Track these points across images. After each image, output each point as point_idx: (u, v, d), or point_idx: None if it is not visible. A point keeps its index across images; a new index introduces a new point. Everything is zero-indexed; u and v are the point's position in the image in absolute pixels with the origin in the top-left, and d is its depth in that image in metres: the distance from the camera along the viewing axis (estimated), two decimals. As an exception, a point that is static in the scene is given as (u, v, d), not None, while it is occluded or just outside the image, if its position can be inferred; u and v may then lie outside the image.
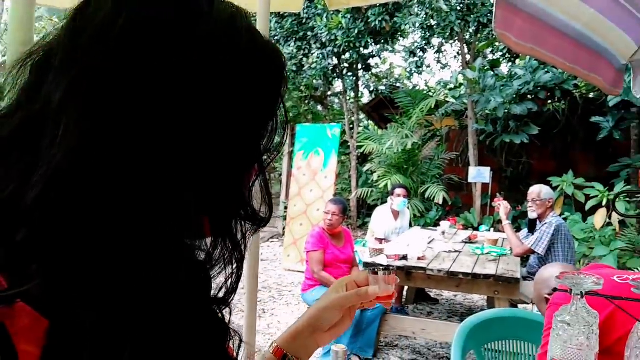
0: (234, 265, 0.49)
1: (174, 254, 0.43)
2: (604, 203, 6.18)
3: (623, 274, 1.24)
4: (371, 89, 12.10)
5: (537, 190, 4.23)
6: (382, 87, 11.93)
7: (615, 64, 2.19)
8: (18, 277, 0.37)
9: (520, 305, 4.48)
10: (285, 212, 8.29)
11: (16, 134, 0.41)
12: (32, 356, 0.36)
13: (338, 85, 12.08)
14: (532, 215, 4.22)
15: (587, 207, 6.40)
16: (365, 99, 12.14)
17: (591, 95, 7.81)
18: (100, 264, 0.39)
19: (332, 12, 8.49)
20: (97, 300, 0.39)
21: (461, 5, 7.59)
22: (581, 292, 0.88)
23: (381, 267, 0.71)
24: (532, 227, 4.31)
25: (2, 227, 0.38)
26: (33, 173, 0.38)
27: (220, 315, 0.51)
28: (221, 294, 0.50)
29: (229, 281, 0.49)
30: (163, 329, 0.42)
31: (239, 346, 0.54)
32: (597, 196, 6.35)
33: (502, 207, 4.59)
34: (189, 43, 0.41)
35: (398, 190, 5.21)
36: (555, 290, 0.98)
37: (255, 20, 1.62)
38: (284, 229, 8.35)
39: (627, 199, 6.00)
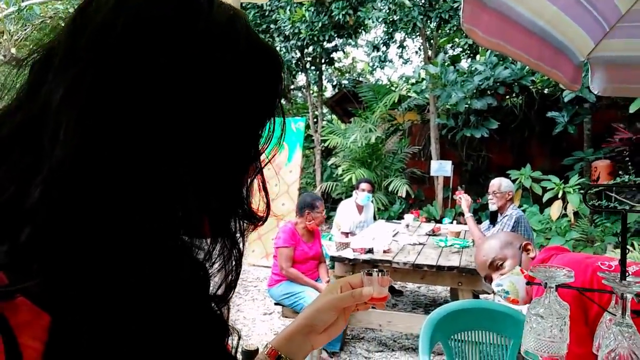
0: (233, 263, 0.49)
1: (175, 253, 0.44)
2: (559, 195, 6.41)
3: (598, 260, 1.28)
4: (334, 82, 12.12)
5: (497, 183, 4.34)
6: (345, 81, 11.98)
7: (574, 61, 2.25)
8: (20, 274, 0.37)
9: (482, 296, 4.60)
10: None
11: (17, 133, 0.41)
12: (34, 351, 0.36)
13: (301, 79, 12.04)
14: (492, 207, 4.33)
15: (544, 199, 6.62)
16: (328, 92, 12.16)
17: (546, 90, 8.07)
18: (102, 262, 0.40)
19: (295, 5, 8.43)
20: (98, 298, 0.39)
21: (423, 1, 7.68)
22: (555, 286, 0.89)
23: (375, 270, 0.71)
24: (493, 218, 4.41)
25: (5, 227, 0.38)
26: (35, 173, 0.39)
27: (219, 312, 0.52)
28: (220, 292, 0.50)
29: (229, 278, 0.50)
30: (163, 326, 0.43)
31: (238, 343, 0.55)
32: (553, 188, 6.57)
33: (464, 200, 4.69)
34: (189, 42, 0.42)
35: (363, 185, 5.24)
36: (529, 283, 1.00)
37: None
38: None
39: (582, 191, 6.25)
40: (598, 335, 0.93)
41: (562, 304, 0.92)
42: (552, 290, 0.90)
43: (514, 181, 7.03)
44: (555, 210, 6.19)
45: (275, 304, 4.13)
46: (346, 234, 4.86)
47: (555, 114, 7.38)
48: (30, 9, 5.16)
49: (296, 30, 8.64)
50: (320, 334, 0.69)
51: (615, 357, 0.81)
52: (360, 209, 5.33)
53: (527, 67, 6.57)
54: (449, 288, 5.37)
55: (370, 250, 4.06)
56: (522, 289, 1.45)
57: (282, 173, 7.24)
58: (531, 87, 7.84)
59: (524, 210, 6.25)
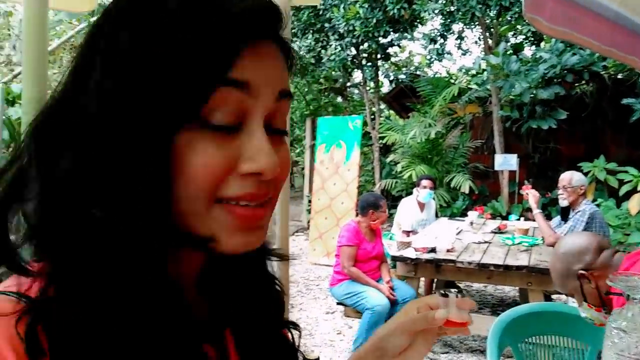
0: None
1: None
2: (639, 188, 5.97)
3: None
4: (391, 78, 11.96)
5: (568, 177, 4.09)
6: (402, 76, 11.79)
7: (653, 44, 2.08)
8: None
9: (554, 296, 4.37)
10: (309, 205, 8.28)
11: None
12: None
13: (357, 76, 11.99)
14: (563, 203, 4.09)
15: (621, 192, 6.20)
16: (385, 88, 12.01)
17: (620, 76, 7.54)
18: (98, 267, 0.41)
19: (349, 2, 8.39)
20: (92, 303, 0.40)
21: (482, -11, 7.40)
22: (637, 297, 0.81)
23: (453, 290, 0.64)
24: (564, 215, 4.17)
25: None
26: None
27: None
28: None
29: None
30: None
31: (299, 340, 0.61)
32: (630, 181, 6.14)
33: (531, 195, 4.46)
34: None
35: (424, 182, 5.13)
36: (608, 293, 0.92)
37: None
38: (308, 222, 8.34)
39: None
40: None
41: (648, 317, 0.84)
42: (636, 302, 0.82)
43: (586, 174, 6.63)
44: (634, 203, 5.77)
45: (338, 303, 4.13)
46: (407, 233, 4.78)
47: (631, 100, 6.88)
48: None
49: (350, 28, 8.60)
50: (396, 359, 0.62)
51: None
52: (421, 206, 5.22)
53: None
54: (517, 288, 5.15)
55: (433, 250, 3.96)
56: (600, 318, 1.34)
57: (340, 172, 7.24)
58: (603, 72, 7.35)
59: (598, 205, 5.87)
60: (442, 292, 0.64)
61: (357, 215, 4.25)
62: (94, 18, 0.42)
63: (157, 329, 0.42)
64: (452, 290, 0.64)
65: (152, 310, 0.42)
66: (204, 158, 0.41)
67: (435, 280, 5.08)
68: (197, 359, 0.48)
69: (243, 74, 0.42)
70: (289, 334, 0.61)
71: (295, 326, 0.63)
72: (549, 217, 4.76)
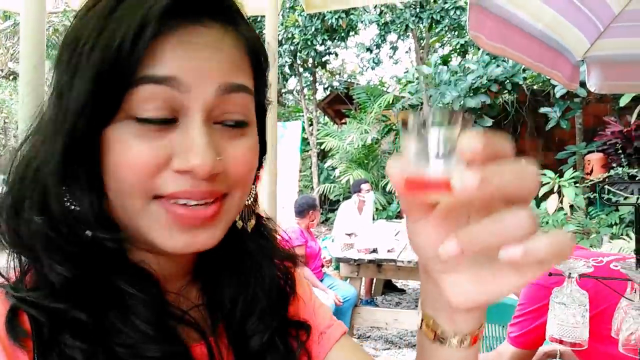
0: None
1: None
2: (555, 189, 6.52)
3: (597, 256, 1.36)
4: (325, 85, 12.20)
5: None
6: (336, 83, 12.05)
7: (572, 60, 2.34)
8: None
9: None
10: (248, 211, 8.26)
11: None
12: None
13: (291, 82, 12.10)
14: None
15: (540, 193, 6.73)
16: (319, 94, 12.23)
17: (536, 87, 8.20)
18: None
19: (288, 10, 8.51)
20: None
21: (414, 3, 7.79)
22: (577, 275, 0.97)
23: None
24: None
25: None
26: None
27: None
28: None
29: None
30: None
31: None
32: (548, 183, 6.69)
33: None
34: None
35: (366, 185, 5.32)
36: (550, 274, 1.08)
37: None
38: (247, 228, 8.30)
39: (576, 184, 6.37)
40: (616, 320, 1.01)
41: (583, 293, 1.00)
42: (573, 280, 0.99)
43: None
44: (551, 204, 6.30)
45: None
46: (349, 235, 4.93)
47: (547, 109, 7.51)
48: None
49: (289, 35, 8.72)
50: (450, 276, 0.38)
51: (636, 338, 0.89)
52: (360, 209, 5.40)
53: (519, 64, 6.69)
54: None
55: (375, 250, 4.14)
56: None
57: (280, 177, 7.29)
58: (522, 83, 7.96)
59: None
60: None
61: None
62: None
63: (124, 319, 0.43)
64: None
65: (115, 299, 0.43)
66: (133, 152, 0.41)
67: (375, 280, 5.28)
68: (181, 358, 0.46)
69: (164, 69, 0.40)
70: (294, 333, 0.57)
71: (302, 326, 0.58)
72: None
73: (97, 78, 0.40)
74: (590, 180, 6.33)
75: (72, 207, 0.43)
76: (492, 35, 1.76)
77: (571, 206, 6.54)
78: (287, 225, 4.31)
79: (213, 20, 0.43)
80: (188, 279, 0.53)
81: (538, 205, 6.86)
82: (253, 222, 0.56)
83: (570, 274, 0.97)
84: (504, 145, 0.33)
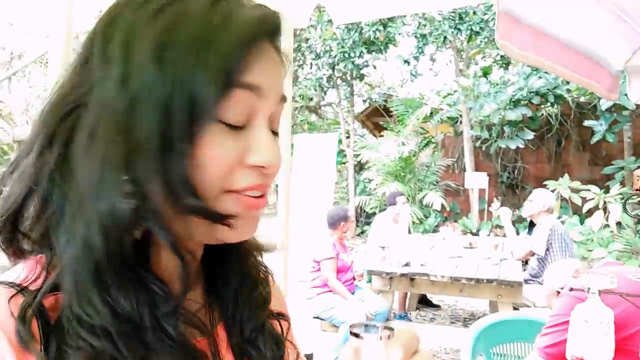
0: None
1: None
2: (600, 205, 6.26)
3: (639, 271, 1.29)
4: (364, 97, 12.20)
5: (539, 192, 4.32)
6: (375, 96, 12.04)
7: (611, 70, 2.25)
8: None
9: (521, 309, 4.52)
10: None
11: None
12: None
13: (330, 94, 12.18)
14: (525, 212, 4.31)
15: (584, 209, 6.48)
16: (358, 107, 12.25)
17: (582, 99, 7.94)
18: None
19: (326, 23, 8.60)
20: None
21: (453, 15, 7.72)
22: (598, 291, 0.93)
23: (374, 324, 0.43)
24: (531, 228, 4.38)
25: None
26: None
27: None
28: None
29: None
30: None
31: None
32: (593, 198, 6.43)
33: (504, 214, 4.67)
34: None
35: (402, 198, 5.26)
36: (571, 289, 1.03)
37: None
38: (283, 239, 8.36)
39: (624, 201, 6.09)
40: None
41: (606, 309, 0.95)
42: (596, 295, 0.94)
43: (552, 192, 6.91)
44: (596, 220, 6.05)
45: (314, 317, 4.17)
46: (382, 248, 4.88)
47: (593, 122, 7.24)
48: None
49: (327, 48, 8.80)
50: None
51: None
52: (396, 222, 5.35)
53: (562, 76, 6.50)
54: (488, 302, 5.30)
55: (408, 264, 4.07)
56: None
57: (316, 188, 7.33)
58: (566, 95, 7.72)
59: (562, 222, 6.12)
60: (353, 331, 0.42)
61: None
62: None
63: (144, 316, 0.44)
64: (375, 324, 0.43)
65: (138, 298, 0.44)
66: (220, 151, 0.45)
67: (409, 294, 5.19)
68: (190, 353, 0.47)
69: (255, 78, 0.45)
70: (278, 326, 0.62)
71: (284, 317, 0.64)
72: (517, 233, 4.96)
73: (199, 80, 0.43)
74: (638, 195, 6.04)
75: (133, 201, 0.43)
76: (523, 44, 1.72)
77: (618, 223, 6.25)
78: (322, 237, 4.31)
79: (277, 39, 0.50)
80: (195, 280, 0.55)
81: (582, 222, 6.60)
82: None
83: (589, 289, 0.93)
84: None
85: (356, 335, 0.41)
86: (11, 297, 0.42)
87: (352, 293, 4.03)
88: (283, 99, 0.51)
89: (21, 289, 0.43)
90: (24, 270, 0.45)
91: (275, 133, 0.51)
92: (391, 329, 0.42)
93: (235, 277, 0.58)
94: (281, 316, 0.63)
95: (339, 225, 4.07)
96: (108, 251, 0.42)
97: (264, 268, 0.63)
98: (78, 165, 0.44)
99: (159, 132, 0.43)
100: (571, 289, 1.02)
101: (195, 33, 0.44)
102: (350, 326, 0.42)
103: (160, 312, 0.45)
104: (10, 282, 0.44)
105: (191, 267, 0.48)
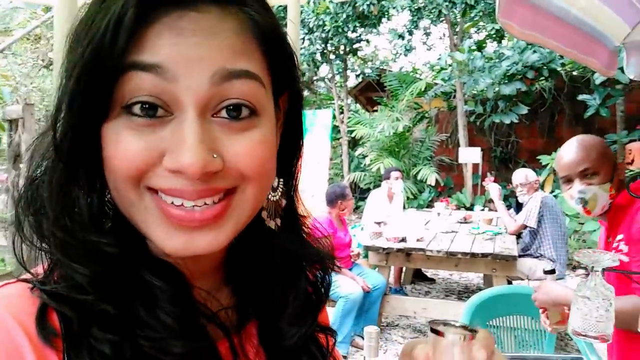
0: None
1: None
2: (592, 179, 6.32)
3: None
4: (357, 72, 12.10)
5: (523, 175, 4.35)
6: (368, 70, 11.95)
7: (609, 46, 2.26)
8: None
9: (515, 282, 4.62)
10: (279, 198, 8.36)
11: None
12: None
13: (323, 70, 12.07)
14: (523, 199, 4.33)
15: (576, 183, 6.53)
16: (351, 82, 12.16)
17: (575, 73, 7.93)
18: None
19: (319, -3, 8.48)
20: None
21: (448, -13, 7.63)
22: (598, 268, 0.96)
23: (453, 324, 0.41)
24: (519, 208, 4.43)
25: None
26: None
27: None
28: None
29: None
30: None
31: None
32: (585, 172, 6.49)
33: (493, 188, 4.72)
34: None
35: (395, 173, 5.29)
36: (575, 268, 1.06)
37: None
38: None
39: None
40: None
41: (607, 287, 0.98)
42: (598, 273, 0.97)
43: (544, 166, 6.97)
44: (588, 194, 6.12)
45: (312, 293, 4.24)
46: (378, 224, 4.93)
47: (586, 96, 7.26)
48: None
49: (320, 22, 8.69)
50: None
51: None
52: (390, 198, 5.39)
53: (557, 50, 6.48)
54: (482, 275, 5.39)
55: (404, 239, 4.13)
56: (601, 206, 1.46)
57: (310, 165, 7.33)
58: (560, 70, 7.72)
59: (555, 196, 6.19)
60: (433, 328, 0.41)
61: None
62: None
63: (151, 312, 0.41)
64: (454, 323, 0.41)
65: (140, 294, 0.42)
66: (123, 145, 0.39)
67: (404, 269, 5.27)
68: (206, 355, 0.44)
69: (149, 56, 0.38)
70: (324, 339, 0.56)
71: (332, 332, 0.58)
72: (509, 207, 5.03)
73: (86, 68, 0.38)
74: (631, 171, 6.11)
75: (76, 207, 0.43)
76: (523, 22, 1.72)
77: (610, 197, 6.32)
78: (317, 214, 4.34)
79: (210, 4, 0.40)
80: (219, 278, 0.51)
81: (574, 196, 6.67)
82: (279, 220, 0.52)
83: (593, 267, 0.95)
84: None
85: (436, 333, 0.40)
86: (31, 293, 0.41)
87: (350, 269, 4.09)
88: (234, 74, 0.40)
89: (39, 285, 0.42)
90: (42, 267, 0.45)
91: (238, 118, 0.41)
92: (474, 331, 0.41)
93: (262, 280, 0.52)
94: (328, 330, 0.57)
95: (336, 203, 4.10)
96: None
97: (319, 278, 0.57)
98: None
99: (69, 134, 0.40)
100: (574, 268, 1.05)
101: (84, 21, 0.40)
102: (431, 322, 0.41)
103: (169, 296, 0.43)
104: (30, 279, 0.43)
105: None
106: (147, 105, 0.39)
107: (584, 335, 0.98)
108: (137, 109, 0.39)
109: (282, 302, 0.52)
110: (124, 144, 0.39)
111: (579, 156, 1.56)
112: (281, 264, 0.52)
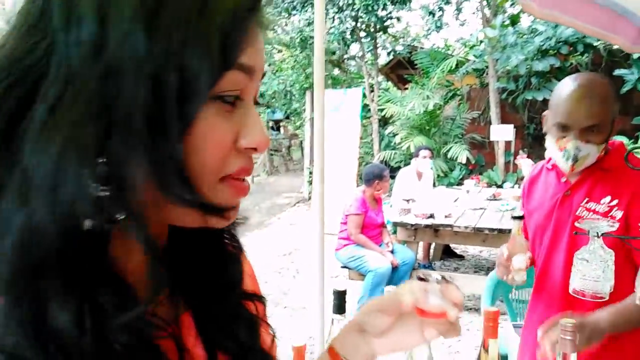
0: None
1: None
2: (627, 156, 6.21)
3: None
4: (388, 50, 12.01)
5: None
6: (399, 47, 11.83)
7: (635, 22, 2.26)
8: None
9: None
10: (310, 177, 8.52)
11: None
12: None
13: (354, 48, 12.03)
14: None
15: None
16: (382, 60, 12.08)
17: (614, 47, 7.69)
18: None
19: (349, -25, 8.44)
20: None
21: (480, -39, 7.47)
22: (597, 234, 1.05)
23: (434, 275, 0.59)
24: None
25: None
26: None
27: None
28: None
29: None
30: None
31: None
32: (621, 149, 6.37)
33: (525, 165, 4.72)
34: None
35: (423, 152, 5.34)
36: (576, 233, 1.15)
37: None
38: (309, 193, 8.59)
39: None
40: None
41: (607, 251, 1.08)
42: (596, 239, 1.06)
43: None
44: (623, 171, 6.02)
45: (342, 267, 4.40)
46: (407, 201, 5.03)
47: (624, 71, 7.06)
48: None
49: (350, 1, 8.67)
50: (381, 340, 0.57)
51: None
52: (420, 176, 5.45)
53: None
54: (511, 251, 5.42)
55: (432, 216, 4.22)
56: (587, 164, 1.31)
57: (340, 143, 7.44)
58: (596, 44, 7.50)
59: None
60: (420, 276, 0.63)
61: (358, 185, 4.50)
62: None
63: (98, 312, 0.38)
64: (433, 275, 0.61)
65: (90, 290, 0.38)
66: (216, 133, 0.42)
67: (433, 244, 5.36)
68: (149, 353, 0.42)
69: (249, 59, 0.43)
70: (252, 306, 0.57)
71: (259, 298, 0.59)
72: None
73: (199, 55, 0.38)
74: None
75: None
76: (543, 1, 1.77)
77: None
78: (347, 192, 4.47)
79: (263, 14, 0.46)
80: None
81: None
82: None
83: (589, 231, 1.05)
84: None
85: (421, 279, 0.57)
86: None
87: (380, 245, 4.22)
88: (264, 75, 0.48)
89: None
90: None
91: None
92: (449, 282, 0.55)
93: (198, 258, 0.53)
94: (255, 296, 0.58)
95: (373, 183, 4.22)
96: (56, 247, 0.36)
97: (235, 243, 0.56)
98: (30, 145, 0.36)
99: (145, 110, 0.37)
100: (575, 233, 1.14)
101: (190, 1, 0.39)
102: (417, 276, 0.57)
103: (120, 320, 0.38)
104: None
105: (162, 263, 0.41)
106: (234, 98, 0.44)
107: (582, 294, 1.08)
108: (225, 99, 0.43)
109: (214, 282, 0.53)
110: (216, 132, 0.42)
111: (592, 110, 1.28)
112: (213, 241, 0.54)
